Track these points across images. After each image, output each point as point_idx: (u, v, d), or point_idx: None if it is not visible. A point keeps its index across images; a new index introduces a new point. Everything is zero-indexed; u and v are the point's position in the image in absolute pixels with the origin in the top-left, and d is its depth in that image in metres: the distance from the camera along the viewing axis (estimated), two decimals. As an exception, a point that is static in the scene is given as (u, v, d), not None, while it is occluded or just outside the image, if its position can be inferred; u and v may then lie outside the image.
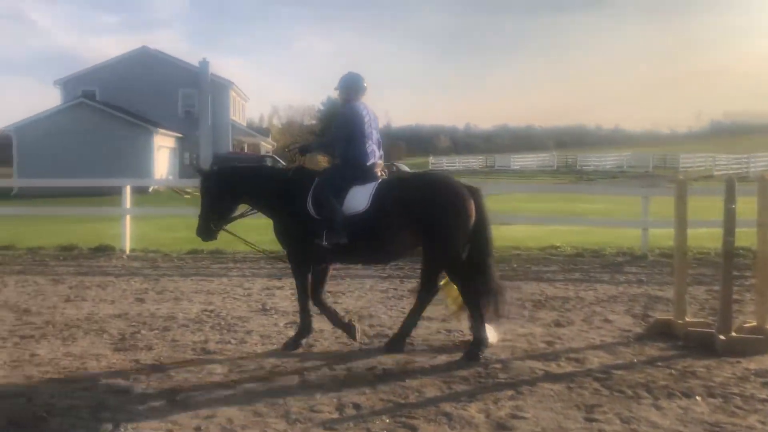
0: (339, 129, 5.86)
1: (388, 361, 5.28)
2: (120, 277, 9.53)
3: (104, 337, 6.13)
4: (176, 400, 4.40)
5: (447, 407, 4.26)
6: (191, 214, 7.44)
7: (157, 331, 6.31)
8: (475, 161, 70.04)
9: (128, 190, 12.56)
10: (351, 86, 5.95)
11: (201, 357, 5.47)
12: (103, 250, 11.98)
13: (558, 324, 6.63)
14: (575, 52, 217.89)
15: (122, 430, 3.90)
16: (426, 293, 5.64)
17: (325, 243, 5.44)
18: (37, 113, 34.97)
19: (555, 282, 9.04)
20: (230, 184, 5.90)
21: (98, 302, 7.72)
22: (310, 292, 5.76)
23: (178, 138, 39.96)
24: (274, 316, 7.02)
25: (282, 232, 5.78)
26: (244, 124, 49.46)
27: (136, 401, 4.38)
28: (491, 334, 5.68)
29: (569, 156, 66.59)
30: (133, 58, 41.36)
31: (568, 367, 5.18)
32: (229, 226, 6.02)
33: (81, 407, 4.24)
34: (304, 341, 5.72)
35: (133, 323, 6.64)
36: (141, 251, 11.94)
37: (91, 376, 4.94)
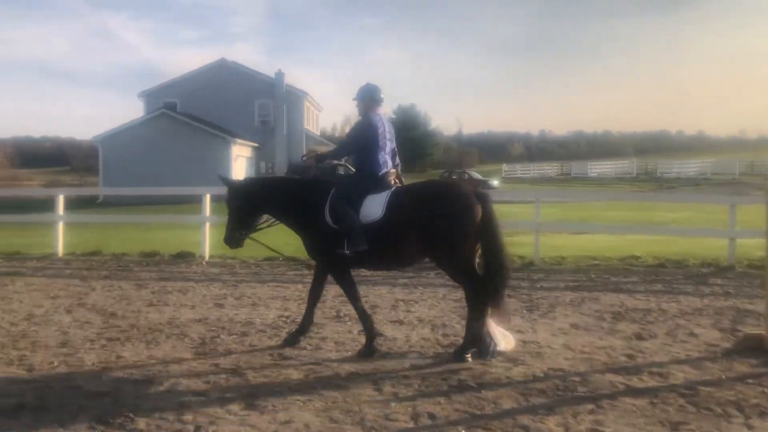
0: (353, 139, 6.08)
1: (463, 371, 5.22)
2: (200, 282, 9.81)
3: (185, 341, 6.32)
4: (254, 404, 4.48)
5: (524, 420, 4.17)
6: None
7: (235, 336, 6.46)
8: (550, 168, 68.82)
9: (208, 198, 12.93)
10: (368, 97, 6.12)
11: (278, 362, 5.56)
12: (184, 257, 12.38)
13: (639, 337, 6.39)
14: (656, 54, 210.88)
15: (203, 432, 4.00)
16: (471, 290, 5.57)
17: (347, 251, 5.63)
18: (122, 124, 36.61)
19: (635, 293, 8.73)
20: (251, 196, 6.14)
21: (179, 307, 7.97)
22: (356, 293, 6.01)
23: (254, 147, 41.00)
24: (348, 323, 7.06)
25: (310, 245, 6.01)
26: (318, 134, 50.25)
27: (216, 404, 4.49)
28: (508, 341, 5.77)
29: (649, 163, 64.56)
30: (211, 71, 42.80)
31: (651, 382, 4.99)
32: (255, 235, 6.27)
33: (165, 408, 4.38)
34: (375, 343, 5.80)
35: (213, 328, 6.81)
36: (219, 258, 12.26)
37: (174, 378, 5.09)
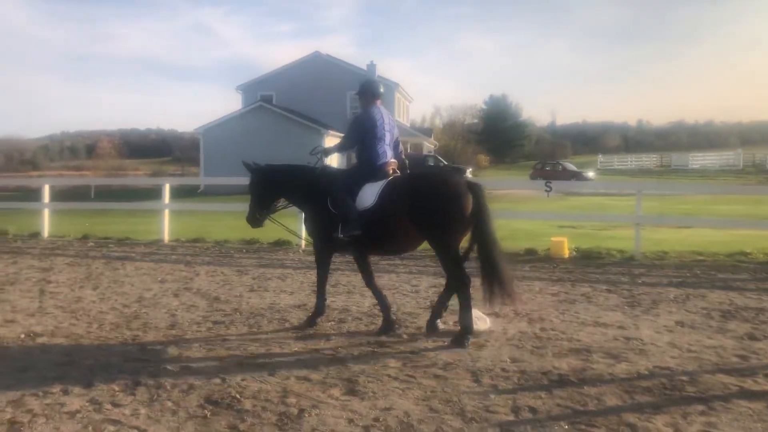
0: (353, 131, 6.42)
1: (563, 365, 5.12)
2: (297, 270, 10.07)
3: (285, 325, 6.51)
4: (355, 390, 4.56)
5: (630, 418, 4.04)
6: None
7: (333, 323, 6.58)
8: (648, 160, 65.98)
9: None
10: (368, 92, 6.47)
11: (376, 350, 5.62)
12: (282, 245, 12.74)
13: (752, 337, 6.04)
14: (763, 39, 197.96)
15: (306, 415, 4.11)
16: (456, 279, 5.92)
17: (341, 235, 6.04)
18: (221, 117, 37.93)
19: (746, 291, 8.27)
20: (270, 180, 6.67)
21: (279, 293, 8.21)
22: (326, 278, 6.59)
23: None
24: (443, 313, 7.04)
25: (309, 224, 6.54)
26: (408, 125, 50.35)
27: (318, 389, 4.60)
28: (483, 322, 6.15)
29: (757, 154, 60.80)
30: (306, 64, 43.68)
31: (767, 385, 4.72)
32: (275, 216, 6.86)
33: (269, 391, 4.53)
34: (317, 321, 6.45)
35: (311, 314, 6.97)
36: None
37: (276, 362, 5.26)
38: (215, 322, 6.64)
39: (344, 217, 6.03)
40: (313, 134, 36.49)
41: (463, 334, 5.76)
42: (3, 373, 4.94)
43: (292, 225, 7.45)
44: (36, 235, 14.41)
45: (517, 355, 5.47)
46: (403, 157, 6.68)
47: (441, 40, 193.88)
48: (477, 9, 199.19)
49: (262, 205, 6.70)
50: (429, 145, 49.75)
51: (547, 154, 76.66)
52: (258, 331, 6.28)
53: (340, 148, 6.73)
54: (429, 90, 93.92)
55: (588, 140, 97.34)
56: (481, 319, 6.22)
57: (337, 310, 7.16)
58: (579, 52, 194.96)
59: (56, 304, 7.50)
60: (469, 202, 5.74)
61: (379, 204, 5.96)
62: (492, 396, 4.43)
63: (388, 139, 6.39)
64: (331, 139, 38.63)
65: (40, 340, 5.94)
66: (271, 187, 6.67)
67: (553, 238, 11.48)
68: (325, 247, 6.48)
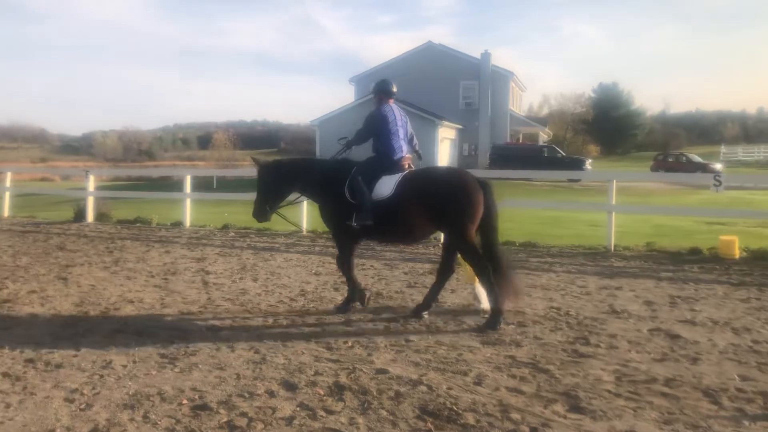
0: (366, 128, 6.77)
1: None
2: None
3: (464, 326, 6.16)
4: (579, 407, 4.14)
5: None
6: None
7: (514, 326, 6.18)
8: (777, 150, 61.19)
9: None
10: (381, 91, 6.88)
11: (576, 360, 5.17)
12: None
13: None
14: None
15: (537, 434, 3.73)
16: (475, 267, 6.24)
17: (354, 224, 6.35)
18: (336, 108, 38.29)
19: None
20: (282, 175, 6.91)
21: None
22: (352, 264, 6.79)
23: (457, 129, 40.99)
24: (631, 320, 6.49)
25: (327, 215, 6.80)
26: (522, 114, 49.11)
27: (536, 403, 4.21)
28: (484, 302, 6.44)
29: None
30: (418, 54, 43.37)
31: None
32: (281, 210, 7.11)
33: (485, 404, 4.18)
34: (351, 306, 6.75)
35: (485, 316, 6.60)
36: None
37: (474, 369, 4.91)
38: (390, 320, 6.39)
39: (359, 207, 6.35)
40: (428, 125, 36.20)
41: (495, 317, 6.09)
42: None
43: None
44: (178, 224, 14.86)
45: (745, 372, 4.86)
46: (417, 149, 7.13)
47: (544, 27, 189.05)
48: None
49: (272, 200, 6.95)
50: (544, 136, 48.28)
51: (661, 145, 72.79)
52: (438, 331, 5.97)
53: (354, 143, 6.96)
54: (532, 79, 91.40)
55: (702, 130, 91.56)
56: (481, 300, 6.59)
57: (510, 311, 6.73)
58: (690, 38, 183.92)
59: (223, 296, 7.50)
60: (481, 198, 6.13)
61: (396, 196, 6.29)
62: (746, 422, 3.89)
63: (401, 134, 6.76)
64: (445, 130, 38.28)
65: (222, 334, 5.89)
66: (283, 181, 6.92)
67: (722, 237, 10.56)
68: (344, 235, 6.71)
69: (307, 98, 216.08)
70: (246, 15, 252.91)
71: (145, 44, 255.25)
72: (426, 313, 6.53)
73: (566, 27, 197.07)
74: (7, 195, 17.46)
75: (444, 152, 38.20)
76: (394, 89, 6.93)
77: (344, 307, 6.76)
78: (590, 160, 39.39)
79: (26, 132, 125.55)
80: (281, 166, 7.03)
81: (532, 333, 5.95)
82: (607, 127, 73.06)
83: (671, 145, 75.84)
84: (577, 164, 38.35)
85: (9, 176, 17.99)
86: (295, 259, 10.22)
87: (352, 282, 6.78)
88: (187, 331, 5.96)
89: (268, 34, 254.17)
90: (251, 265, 9.66)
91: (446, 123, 37.83)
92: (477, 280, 6.51)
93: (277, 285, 8.16)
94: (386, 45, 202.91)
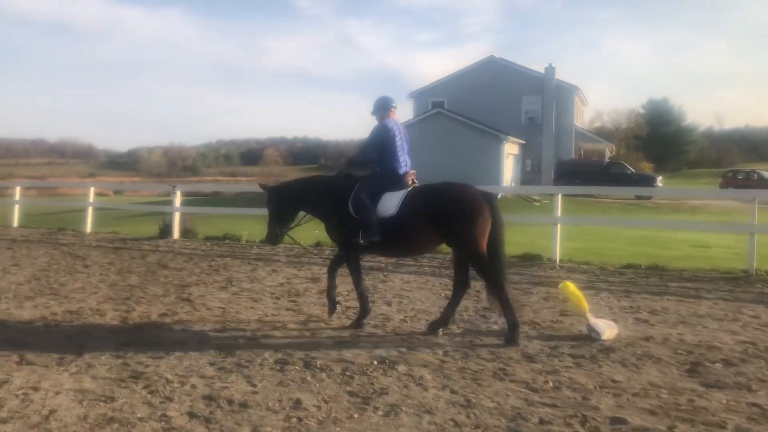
0: (371, 142, 6.72)
1: None
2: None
3: (663, 363, 5.44)
4: None
5: None
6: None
7: (720, 365, 5.42)
8: None
9: (560, 199, 12.37)
10: (382, 107, 6.84)
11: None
12: (531, 259, 11.75)
13: None
14: None
15: None
16: (461, 286, 6.46)
17: (361, 241, 6.34)
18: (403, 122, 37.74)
19: None
20: (287, 196, 6.96)
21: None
22: (360, 278, 6.80)
23: (520, 145, 40.11)
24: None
25: (332, 232, 6.83)
26: (585, 129, 47.97)
27: None
28: (611, 329, 6.29)
29: None
30: (479, 69, 42.76)
31: None
32: (291, 232, 7.16)
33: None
34: (364, 321, 6.65)
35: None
36: (570, 262, 11.49)
37: (721, 418, 4.19)
38: (575, 355, 5.70)
39: (365, 224, 6.32)
40: (492, 140, 35.47)
41: (513, 331, 6.03)
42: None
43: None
44: (268, 241, 14.39)
45: None
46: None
47: (585, 44, 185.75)
48: (620, 13, 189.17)
49: (281, 222, 6.98)
50: (608, 152, 46.99)
51: (714, 162, 70.50)
52: (636, 368, 5.25)
53: (360, 159, 7.11)
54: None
55: (752, 146, 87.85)
56: (610, 327, 6.35)
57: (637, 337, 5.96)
58: (738, 53, 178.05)
59: (369, 322, 6.89)
60: (487, 212, 6.13)
61: (402, 213, 6.27)
62: None
63: (405, 148, 6.74)
64: (509, 146, 37.46)
65: (399, 368, 5.28)
66: (288, 201, 6.96)
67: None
68: (350, 252, 6.71)
69: (346, 115, 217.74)
70: (287, 34, 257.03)
71: (188, 62, 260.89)
72: (441, 330, 6.40)
73: (608, 44, 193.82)
74: (90, 210, 17.30)
75: (507, 168, 37.31)
76: (394, 104, 6.94)
77: (358, 323, 6.67)
78: (660, 178, 38.03)
79: (74, 148, 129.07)
80: (283, 189, 7.10)
81: (753, 374, 5.19)
82: (658, 142, 71.05)
83: (724, 161, 73.51)
84: (647, 181, 37.14)
85: (92, 191, 17.86)
86: (413, 281, 9.61)
87: (362, 295, 6.76)
88: (359, 364, 5.36)
89: (309, 52, 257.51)
90: (371, 286, 9.06)
91: (512, 138, 36.97)
92: (588, 311, 6.46)
93: (415, 310, 7.54)
94: (426, 62, 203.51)
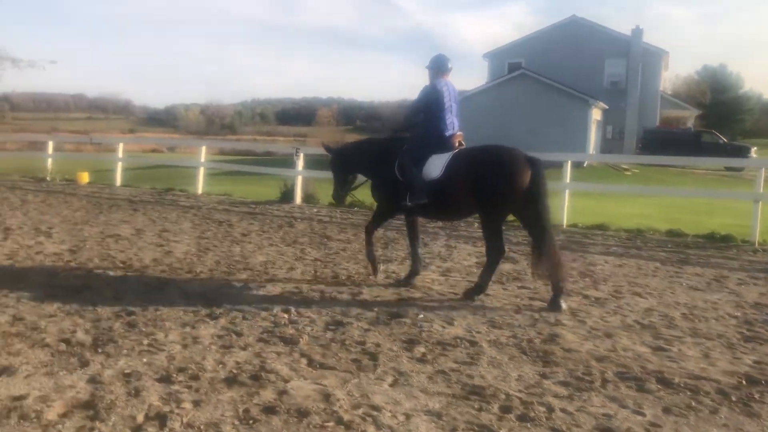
0: (420, 102, 6.66)
1: None
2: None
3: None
4: None
5: None
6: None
7: None
8: None
9: (569, 164, 12.30)
10: (435, 67, 6.75)
11: None
12: (720, 240, 10.55)
13: None
14: None
15: None
16: (494, 252, 6.26)
17: (408, 203, 6.41)
18: (480, 85, 36.27)
19: None
20: (343, 158, 7.19)
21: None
22: (372, 237, 6.97)
23: (603, 110, 38.29)
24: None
25: (375, 191, 6.94)
26: (669, 94, 45.75)
27: None
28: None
29: None
30: (560, 29, 40.83)
31: None
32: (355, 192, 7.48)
33: None
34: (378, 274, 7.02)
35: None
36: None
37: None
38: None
39: (411, 186, 6.35)
40: (579, 105, 33.68)
41: (475, 290, 6.24)
42: None
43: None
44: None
45: None
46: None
47: (630, 7, 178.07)
48: None
49: (342, 183, 7.25)
50: (691, 119, 44.77)
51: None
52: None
53: (408, 120, 7.04)
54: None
55: None
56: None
57: None
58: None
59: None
60: (527, 177, 5.97)
61: (446, 176, 6.24)
62: None
63: (454, 110, 6.63)
64: (598, 111, 35.73)
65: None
66: (345, 164, 7.15)
67: None
68: (386, 214, 6.95)
69: (382, 75, 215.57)
70: None
71: (224, 20, 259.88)
72: (477, 296, 6.31)
73: (654, 7, 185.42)
74: (202, 171, 16.50)
75: (592, 136, 35.62)
76: (450, 65, 6.81)
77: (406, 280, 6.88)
78: (755, 149, 36.02)
79: (113, 104, 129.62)
80: (341, 151, 7.28)
81: None
82: (713, 111, 67.68)
83: None
84: (741, 152, 35.23)
85: (204, 150, 17.03)
86: (648, 266, 8.51)
87: (370, 252, 6.94)
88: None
89: (344, 11, 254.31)
90: (600, 271, 8.00)
91: (602, 104, 35.13)
92: None
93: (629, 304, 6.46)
94: (463, 22, 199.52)
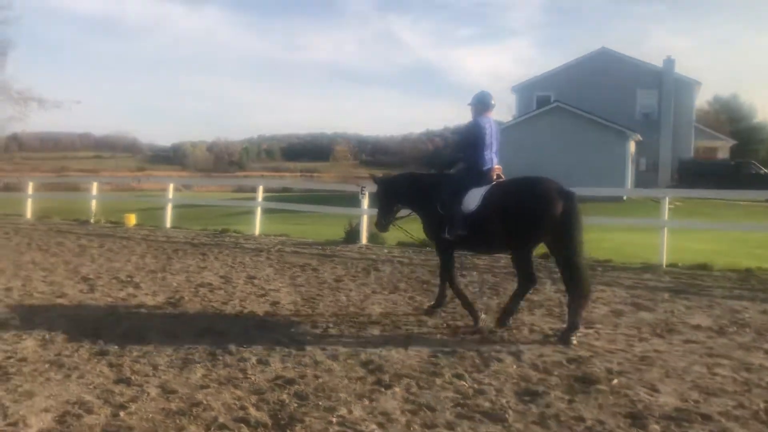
0: (464, 138, 6.92)
1: None
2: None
3: None
4: None
5: None
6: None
7: None
8: None
9: (666, 201, 11.82)
10: (479, 103, 6.92)
11: None
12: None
13: None
14: None
15: None
16: (525, 281, 6.47)
17: (447, 236, 6.59)
18: (513, 119, 35.87)
19: None
20: (387, 190, 7.42)
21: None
22: (454, 275, 7.05)
23: (636, 142, 37.74)
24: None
25: (427, 227, 7.10)
26: (702, 125, 45.19)
27: None
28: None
29: None
30: (590, 60, 40.52)
31: None
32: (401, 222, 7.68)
33: None
34: (439, 309, 7.10)
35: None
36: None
37: None
38: None
39: (451, 219, 6.48)
40: (616, 137, 33.09)
41: (569, 331, 5.96)
42: None
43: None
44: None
45: None
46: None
47: (630, 39, 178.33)
48: (665, 7, 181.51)
49: (386, 212, 7.48)
50: (726, 150, 44.17)
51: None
52: None
53: (452, 157, 7.35)
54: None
55: None
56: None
57: None
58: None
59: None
60: (558, 208, 5.96)
61: (482, 207, 6.34)
62: None
63: (494, 147, 6.80)
64: (632, 143, 35.16)
65: None
66: (392, 195, 7.36)
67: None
68: (447, 247, 6.84)
69: (387, 111, 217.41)
70: (328, 30, 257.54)
71: (229, 58, 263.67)
72: (509, 321, 6.52)
73: (655, 37, 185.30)
74: (259, 211, 15.96)
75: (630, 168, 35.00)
76: (493, 102, 6.95)
77: (431, 310, 7.12)
78: (792, 181, 35.24)
79: (120, 142, 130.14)
80: (388, 182, 7.55)
81: None
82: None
83: None
84: (787, 182, 34.45)
85: (261, 189, 16.51)
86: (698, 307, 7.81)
87: (459, 296, 6.89)
88: None
89: (349, 49, 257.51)
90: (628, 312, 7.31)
91: (637, 135, 34.55)
92: None
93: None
94: (466, 57, 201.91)
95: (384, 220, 7.50)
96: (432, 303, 7.26)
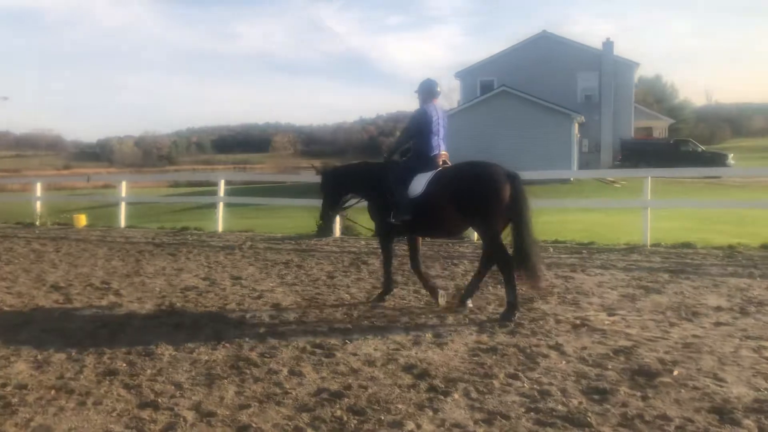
0: (412, 125, 6.95)
1: None
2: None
3: None
4: None
5: None
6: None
7: None
8: None
9: (648, 180, 11.72)
10: (425, 91, 7.03)
11: None
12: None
13: None
14: None
15: None
16: (502, 265, 6.33)
17: (392, 220, 6.68)
18: (460, 105, 35.86)
19: None
20: (338, 180, 7.43)
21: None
22: (391, 259, 7.21)
23: (580, 124, 38.37)
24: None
25: (371, 212, 7.21)
26: (642, 105, 46.30)
27: None
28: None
29: None
30: (531, 45, 41.04)
31: None
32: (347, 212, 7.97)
33: None
34: (385, 298, 7.14)
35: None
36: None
37: None
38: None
39: (397, 204, 6.58)
40: (562, 120, 33.65)
41: (510, 310, 6.18)
42: None
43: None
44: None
45: None
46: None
47: (553, 25, 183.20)
48: None
49: (332, 204, 7.52)
50: (662, 129, 45.45)
51: (707, 138, 69.10)
52: None
53: (399, 144, 7.26)
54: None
55: (721, 122, 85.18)
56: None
57: None
58: (702, 34, 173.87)
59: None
60: (507, 191, 6.11)
61: (427, 192, 6.47)
62: None
63: (441, 133, 6.90)
64: (578, 125, 35.69)
65: None
66: (339, 185, 7.40)
67: None
68: (387, 232, 7.01)
69: (318, 99, 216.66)
70: (255, 19, 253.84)
71: (154, 50, 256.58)
72: (469, 301, 6.74)
73: (582, 23, 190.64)
74: (221, 206, 15.24)
75: (575, 150, 35.55)
76: (439, 89, 7.13)
77: (379, 298, 7.22)
78: (732, 155, 36.59)
79: (42, 140, 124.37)
80: (335, 172, 7.58)
81: None
82: None
83: (716, 138, 72.53)
84: (719, 159, 35.76)
85: (222, 184, 15.77)
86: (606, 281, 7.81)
87: (388, 276, 7.15)
88: None
89: (278, 38, 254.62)
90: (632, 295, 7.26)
91: (581, 117, 35.08)
92: None
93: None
94: (395, 45, 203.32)
95: (331, 210, 7.62)
96: (381, 290, 7.30)
